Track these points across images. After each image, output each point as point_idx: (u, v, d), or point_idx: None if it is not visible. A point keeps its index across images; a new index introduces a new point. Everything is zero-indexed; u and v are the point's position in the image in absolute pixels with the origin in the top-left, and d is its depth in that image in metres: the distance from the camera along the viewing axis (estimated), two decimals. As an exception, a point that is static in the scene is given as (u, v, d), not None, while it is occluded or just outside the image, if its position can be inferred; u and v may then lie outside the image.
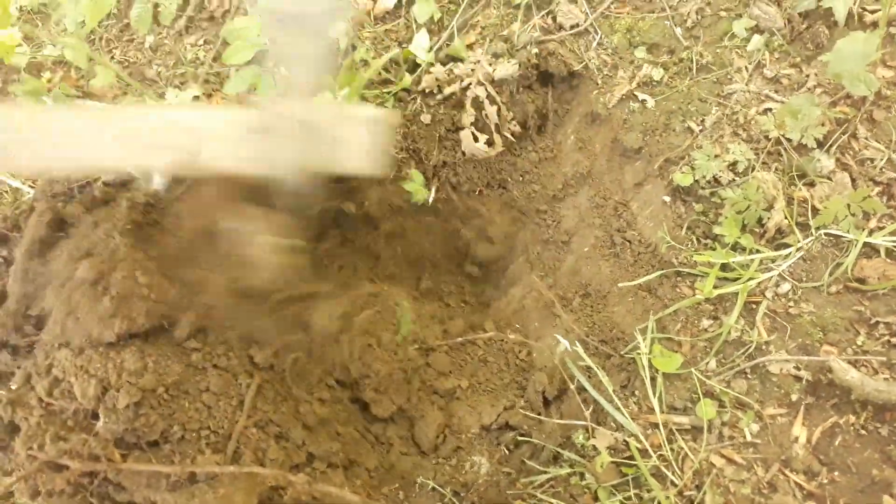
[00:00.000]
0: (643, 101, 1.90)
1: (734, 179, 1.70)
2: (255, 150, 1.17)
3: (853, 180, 1.64)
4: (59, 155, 1.13)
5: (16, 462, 1.40)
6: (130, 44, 2.53)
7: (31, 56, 2.43)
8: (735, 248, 1.64)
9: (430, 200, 2.02)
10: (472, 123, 2.03)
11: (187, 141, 1.14)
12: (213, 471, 1.35)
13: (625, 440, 1.49)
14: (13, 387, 1.43)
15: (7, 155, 1.07)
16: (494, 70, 2.00)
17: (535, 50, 2.02)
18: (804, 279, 1.57)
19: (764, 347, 1.52)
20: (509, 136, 2.08)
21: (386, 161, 1.37)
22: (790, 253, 1.59)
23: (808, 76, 1.78)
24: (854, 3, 1.75)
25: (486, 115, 2.01)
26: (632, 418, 1.51)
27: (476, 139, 2.03)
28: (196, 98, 2.19)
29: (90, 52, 2.47)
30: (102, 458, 1.34)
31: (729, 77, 1.86)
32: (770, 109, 1.75)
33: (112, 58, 2.49)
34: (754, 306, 1.58)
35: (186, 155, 1.16)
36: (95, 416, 1.38)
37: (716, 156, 1.72)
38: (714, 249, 1.66)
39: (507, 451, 1.63)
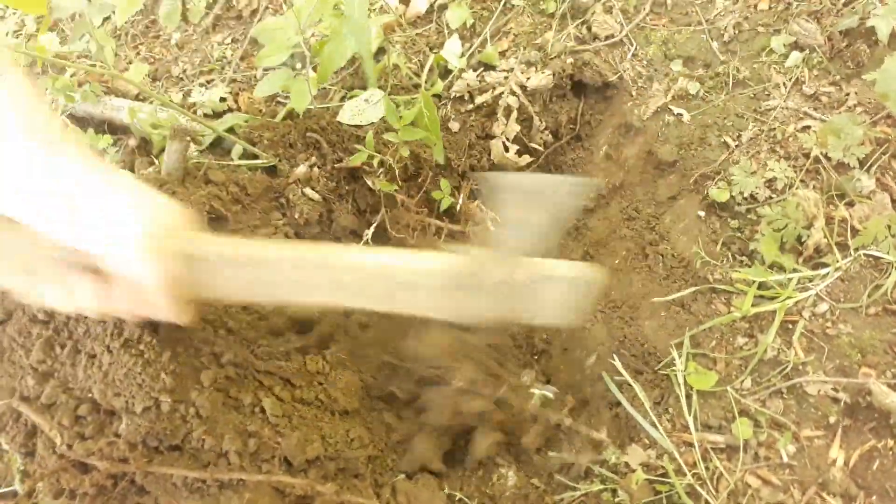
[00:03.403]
0: (678, 114, 1.89)
1: (771, 197, 1.68)
2: (453, 300, 1.18)
3: (893, 201, 1.62)
4: (274, 289, 1.17)
5: (39, 464, 1.38)
6: (156, 40, 2.52)
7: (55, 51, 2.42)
8: (772, 266, 1.63)
9: (458, 207, 2.01)
10: (502, 132, 2.02)
11: (391, 288, 1.18)
12: (241, 478, 1.33)
13: (658, 458, 1.47)
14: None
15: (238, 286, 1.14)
16: (528, 78, 1.99)
17: (570, 59, 2.01)
18: (842, 300, 1.55)
19: (801, 368, 1.50)
20: (540, 146, 2.07)
21: (584, 314, 1.36)
22: (828, 273, 1.58)
23: (847, 95, 1.76)
24: (896, 23, 1.74)
25: (517, 124, 2.00)
26: (665, 436, 1.49)
27: (507, 149, 2.02)
28: (223, 99, 2.17)
29: (116, 48, 2.46)
30: (130, 459, 1.32)
31: (766, 93, 1.85)
32: (809, 127, 1.74)
33: (138, 54, 2.48)
34: (791, 326, 1.56)
35: (387, 301, 1.19)
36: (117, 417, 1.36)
37: (753, 172, 1.70)
38: (750, 266, 1.64)
39: (535, 465, 1.61)
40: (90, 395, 1.35)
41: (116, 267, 0.98)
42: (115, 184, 0.96)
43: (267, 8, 2.44)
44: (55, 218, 0.94)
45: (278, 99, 2.19)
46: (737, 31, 1.96)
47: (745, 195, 1.70)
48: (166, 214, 1.01)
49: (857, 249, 1.59)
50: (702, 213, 1.77)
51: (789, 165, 1.70)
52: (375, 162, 1.81)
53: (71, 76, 2.37)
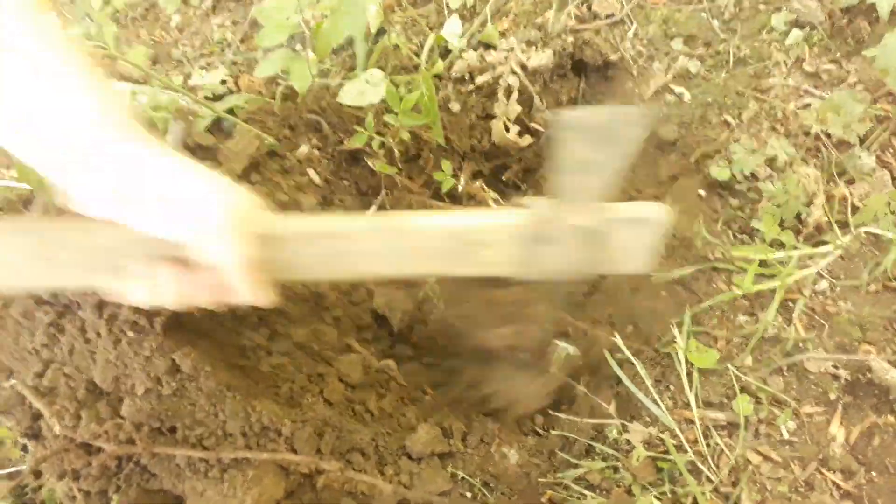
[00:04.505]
0: (679, 93, 1.89)
1: (772, 175, 1.69)
2: (528, 254, 1.14)
3: (893, 178, 1.63)
4: (354, 261, 1.15)
5: (44, 446, 1.39)
6: (156, 23, 2.51)
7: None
8: (773, 244, 1.63)
9: (460, 189, 2.01)
10: (503, 113, 2.02)
11: (465, 247, 1.14)
12: (246, 457, 1.34)
13: (659, 435, 1.48)
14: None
15: None
16: (528, 58, 1.99)
17: (570, 38, 2.00)
18: (843, 277, 1.56)
19: (801, 345, 1.51)
20: (541, 126, 2.06)
21: (657, 258, 1.32)
22: (829, 251, 1.58)
23: (848, 72, 1.76)
24: (898, -1, 1.73)
25: (518, 104, 2.00)
26: (667, 413, 1.50)
27: (507, 129, 2.02)
28: (223, 82, 2.17)
29: (117, 31, 2.46)
30: (136, 441, 1.33)
31: (767, 71, 1.84)
32: (809, 105, 1.74)
33: (138, 37, 2.48)
34: (791, 303, 1.56)
35: (462, 261, 1.15)
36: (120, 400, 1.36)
37: (753, 150, 1.70)
38: (750, 244, 1.65)
39: (536, 443, 1.62)
40: (91, 377, 1.36)
41: (202, 253, 0.97)
42: (191, 168, 0.96)
43: (266, -11, 2.43)
44: (141, 209, 0.94)
45: (278, 81, 2.18)
46: (737, 9, 1.95)
47: (746, 173, 1.70)
48: (242, 199, 1.00)
49: (857, 227, 1.59)
50: (703, 192, 1.77)
51: (790, 143, 1.70)
52: (375, 144, 1.81)
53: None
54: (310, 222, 1.13)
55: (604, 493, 1.47)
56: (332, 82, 2.01)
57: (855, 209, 1.60)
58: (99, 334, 1.36)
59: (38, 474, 1.46)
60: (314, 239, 1.10)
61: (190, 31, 2.44)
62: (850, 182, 1.64)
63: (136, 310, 1.35)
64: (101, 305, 1.39)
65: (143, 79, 2.21)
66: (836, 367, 1.46)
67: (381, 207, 1.86)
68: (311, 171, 1.82)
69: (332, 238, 1.11)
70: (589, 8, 2.06)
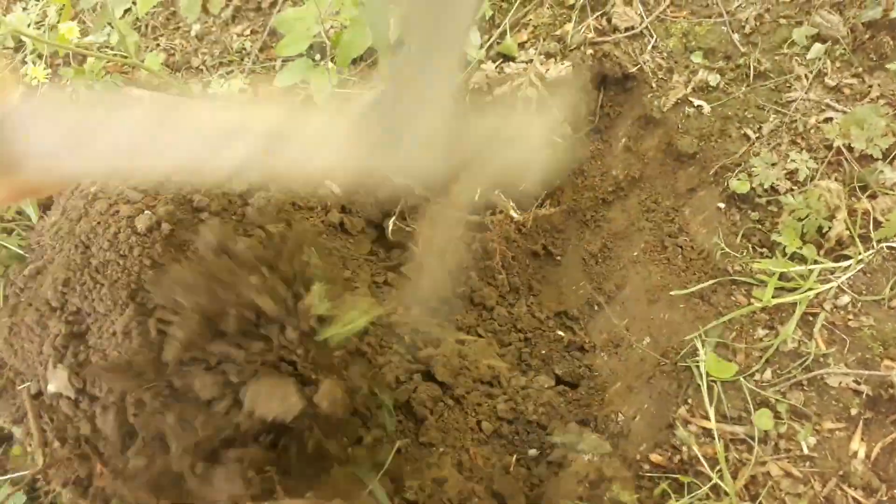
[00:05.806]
0: (699, 106, 1.88)
1: (792, 188, 1.67)
2: (363, 147, 0.84)
3: (916, 194, 1.61)
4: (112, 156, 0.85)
5: (51, 455, 1.39)
6: (176, 31, 2.53)
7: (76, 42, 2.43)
8: (793, 257, 1.62)
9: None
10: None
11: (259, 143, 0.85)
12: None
13: (678, 448, 1.47)
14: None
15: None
16: (547, 70, 1.99)
17: (590, 51, 2.00)
18: (864, 292, 1.54)
19: (822, 360, 1.49)
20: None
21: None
22: (850, 265, 1.56)
23: (870, 86, 1.75)
24: (920, 14, 1.73)
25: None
26: (685, 426, 1.49)
27: (525, 139, 2.01)
28: (242, 90, 2.18)
29: (138, 40, 2.47)
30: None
31: (788, 85, 1.83)
32: (831, 119, 1.73)
33: (158, 45, 2.49)
34: (811, 318, 1.55)
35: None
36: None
37: (774, 164, 1.69)
38: (770, 258, 1.63)
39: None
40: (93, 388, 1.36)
41: None
42: None
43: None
44: None
45: (297, 90, 2.19)
46: (758, 23, 1.95)
47: (766, 187, 1.69)
48: None
49: (879, 242, 1.58)
50: (722, 205, 1.76)
51: (811, 157, 1.69)
52: (395, 152, 1.81)
53: (92, 70, 2.38)
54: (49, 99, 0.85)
55: (621, 506, 1.46)
56: (351, 92, 2.01)
57: (877, 224, 1.59)
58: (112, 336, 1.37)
59: (45, 480, 1.46)
60: (52, 116, 0.82)
61: (209, 39, 2.46)
62: (873, 196, 1.63)
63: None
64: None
65: (162, 87, 2.23)
66: (857, 382, 1.44)
67: (401, 215, 1.86)
68: (328, 182, 1.83)
69: (76, 110, 0.83)
70: (608, 21, 2.06)
